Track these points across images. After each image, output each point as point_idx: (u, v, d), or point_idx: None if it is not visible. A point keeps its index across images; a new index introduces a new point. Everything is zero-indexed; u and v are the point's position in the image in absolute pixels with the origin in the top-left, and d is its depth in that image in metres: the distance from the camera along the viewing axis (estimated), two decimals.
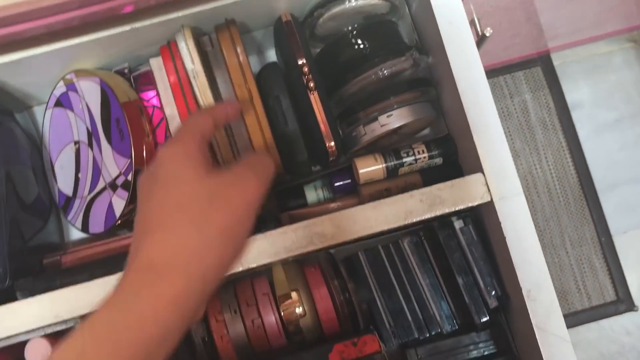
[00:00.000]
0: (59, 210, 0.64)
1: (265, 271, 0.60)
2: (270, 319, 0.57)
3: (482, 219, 0.58)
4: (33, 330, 0.53)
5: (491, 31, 0.63)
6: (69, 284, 0.53)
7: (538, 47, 1.29)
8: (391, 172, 0.59)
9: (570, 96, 1.48)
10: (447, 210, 0.53)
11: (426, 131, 0.65)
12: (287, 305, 0.57)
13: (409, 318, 0.59)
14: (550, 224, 1.44)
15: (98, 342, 0.33)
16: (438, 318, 0.59)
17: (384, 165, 0.59)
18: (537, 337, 0.51)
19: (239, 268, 0.53)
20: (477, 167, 0.54)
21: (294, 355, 0.56)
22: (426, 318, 0.59)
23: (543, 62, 1.49)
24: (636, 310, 1.42)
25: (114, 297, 0.34)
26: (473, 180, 0.53)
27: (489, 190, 0.53)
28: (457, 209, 0.53)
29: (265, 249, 0.53)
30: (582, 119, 1.47)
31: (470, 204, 0.53)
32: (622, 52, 1.51)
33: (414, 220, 0.53)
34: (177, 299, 0.34)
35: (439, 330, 0.59)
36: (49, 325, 0.53)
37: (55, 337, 0.54)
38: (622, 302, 1.42)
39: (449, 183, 0.53)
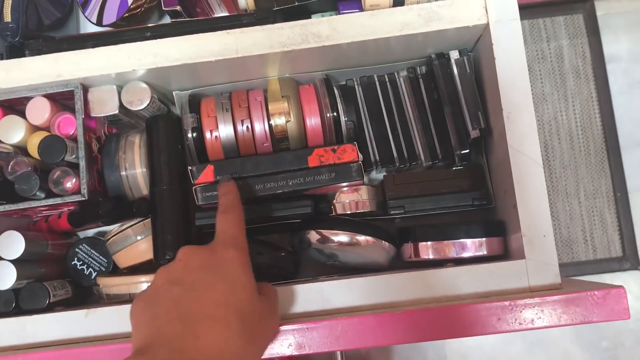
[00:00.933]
0: (79, 8, 0.67)
1: (262, 84, 0.62)
2: (260, 121, 0.59)
3: (480, 59, 0.59)
4: (36, 87, 0.56)
5: None
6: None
7: None
8: (397, 1, 0.60)
9: (608, 48, 1.45)
10: (442, 27, 0.54)
11: None
12: (276, 109, 0.58)
13: (392, 146, 0.61)
14: (567, 172, 1.43)
15: None
16: (420, 150, 0.60)
17: None
18: (510, 156, 0.52)
19: (234, 55, 0.55)
20: None
21: (276, 154, 0.58)
22: (409, 149, 0.60)
23: (586, 10, 1.46)
24: None
25: None
26: (472, 1, 0.54)
27: (486, 12, 0.54)
28: (452, 26, 0.54)
29: (261, 41, 0.55)
30: (616, 73, 1.45)
31: (467, 24, 0.54)
32: None
33: (409, 33, 0.54)
34: None
35: (419, 161, 0.60)
36: (50, 85, 0.56)
37: (54, 97, 0.57)
38: (627, 260, 1.41)
39: (448, 1, 0.54)
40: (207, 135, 0.59)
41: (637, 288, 1.41)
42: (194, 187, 0.56)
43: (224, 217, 0.48)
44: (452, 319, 0.49)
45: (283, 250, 0.60)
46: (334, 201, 0.60)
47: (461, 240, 0.55)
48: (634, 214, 1.41)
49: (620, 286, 0.49)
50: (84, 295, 0.63)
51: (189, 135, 0.59)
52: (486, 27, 0.54)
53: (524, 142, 0.52)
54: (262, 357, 0.45)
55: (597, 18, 1.46)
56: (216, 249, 0.44)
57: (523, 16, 1.43)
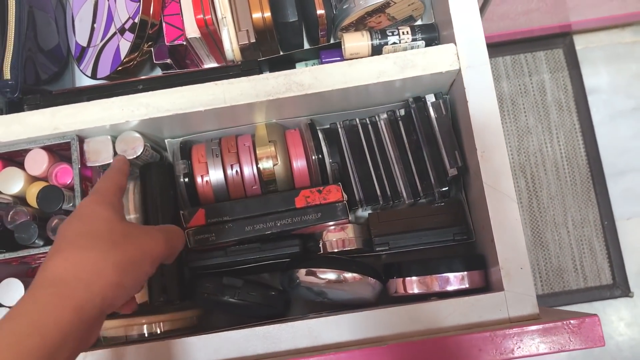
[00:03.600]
0: (75, 62, 0.70)
1: (250, 130, 0.65)
2: (248, 165, 0.62)
3: (454, 101, 0.62)
4: (34, 140, 0.59)
5: None
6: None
7: (558, 17, 1.32)
8: (376, 50, 0.64)
9: (589, 80, 1.50)
10: (416, 74, 0.57)
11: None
12: (263, 153, 0.61)
13: (376, 185, 0.63)
14: (555, 202, 1.46)
15: (1, 350, 0.35)
16: (402, 189, 0.63)
17: (369, 42, 0.63)
18: (486, 193, 0.55)
19: (222, 104, 0.58)
20: (451, 39, 0.58)
21: (264, 196, 0.61)
22: (391, 187, 0.63)
23: (565, 45, 1.51)
24: (631, 297, 1.42)
25: (19, 308, 0.38)
26: (445, 49, 0.58)
27: (458, 59, 0.57)
28: (426, 73, 0.57)
29: (247, 91, 0.58)
30: (598, 104, 1.49)
31: (440, 70, 0.57)
32: None
33: (386, 80, 0.58)
34: (78, 309, 0.38)
35: (402, 199, 0.63)
36: (48, 137, 0.59)
37: (51, 149, 0.60)
38: (618, 287, 1.43)
39: (422, 50, 0.58)
40: (199, 180, 0.62)
41: (628, 315, 1.42)
42: (186, 231, 0.59)
43: (101, 177, 0.51)
44: (435, 351, 0.51)
45: (273, 289, 0.63)
46: (321, 240, 0.62)
47: (443, 274, 0.58)
48: (621, 241, 1.44)
49: (595, 315, 0.51)
50: None
51: (181, 180, 0.62)
52: (458, 72, 0.58)
53: (498, 179, 0.55)
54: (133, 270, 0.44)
55: (577, 52, 1.51)
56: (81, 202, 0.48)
57: (505, 52, 1.47)
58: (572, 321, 0.51)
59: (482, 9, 1.05)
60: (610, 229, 1.45)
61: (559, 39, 1.51)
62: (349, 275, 0.59)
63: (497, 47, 1.50)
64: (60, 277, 0.40)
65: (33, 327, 0.37)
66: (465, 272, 0.58)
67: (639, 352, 1.41)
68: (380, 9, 0.63)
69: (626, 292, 1.43)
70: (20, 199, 0.61)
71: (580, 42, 1.52)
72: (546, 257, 1.44)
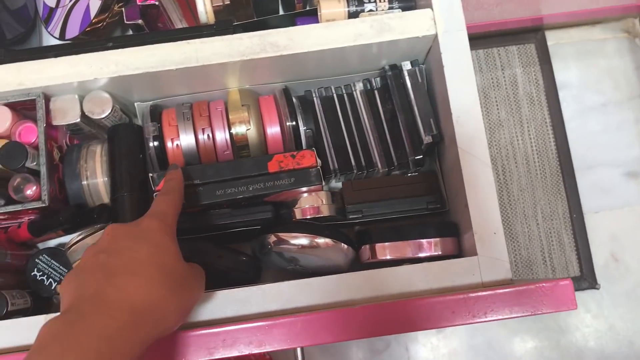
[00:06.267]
0: (42, 24, 0.68)
1: (222, 96, 0.64)
2: (220, 129, 0.60)
3: (430, 70, 0.62)
4: None
5: None
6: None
7: (531, 10, 1.33)
8: (352, 17, 0.63)
9: (560, 76, 1.52)
10: (393, 38, 0.57)
11: None
12: (236, 118, 0.60)
13: (350, 154, 0.63)
14: (525, 195, 1.47)
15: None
16: (377, 158, 0.62)
17: (346, 8, 0.63)
18: (460, 158, 0.55)
19: (194, 64, 0.56)
20: (428, 4, 0.58)
21: (236, 160, 0.60)
22: (366, 157, 0.63)
23: (537, 40, 1.53)
24: (598, 289, 1.44)
25: (95, 320, 0.38)
26: (421, 14, 0.57)
27: (435, 24, 0.57)
28: (403, 37, 0.57)
29: (220, 50, 0.57)
30: (568, 99, 1.51)
31: (416, 35, 0.57)
32: (615, 41, 1.55)
33: (362, 43, 0.57)
34: (143, 343, 0.40)
35: (376, 168, 0.62)
36: (12, 94, 0.57)
37: (15, 107, 0.58)
38: (585, 279, 1.44)
39: (399, 13, 0.57)
40: (169, 143, 0.60)
41: (595, 307, 1.44)
42: (154, 194, 0.57)
43: (161, 197, 0.50)
44: (408, 313, 0.50)
45: (244, 255, 0.61)
46: (294, 207, 0.61)
47: (416, 240, 0.57)
48: (589, 234, 1.45)
49: (568, 278, 0.51)
50: (44, 307, 0.62)
51: (151, 143, 0.60)
52: (435, 37, 0.57)
53: (473, 144, 0.55)
54: (186, 317, 0.47)
55: (548, 47, 1.53)
56: (142, 221, 0.46)
57: (479, 46, 1.48)
58: (545, 284, 0.51)
59: None
60: (579, 222, 1.47)
61: (532, 34, 1.53)
62: (321, 240, 0.58)
63: (471, 41, 1.51)
64: (137, 306, 0.40)
65: (109, 350, 0.37)
66: (438, 239, 0.57)
67: (605, 342, 1.42)
68: None
69: (593, 284, 1.44)
70: None
71: (552, 38, 1.53)
72: (515, 248, 1.45)
